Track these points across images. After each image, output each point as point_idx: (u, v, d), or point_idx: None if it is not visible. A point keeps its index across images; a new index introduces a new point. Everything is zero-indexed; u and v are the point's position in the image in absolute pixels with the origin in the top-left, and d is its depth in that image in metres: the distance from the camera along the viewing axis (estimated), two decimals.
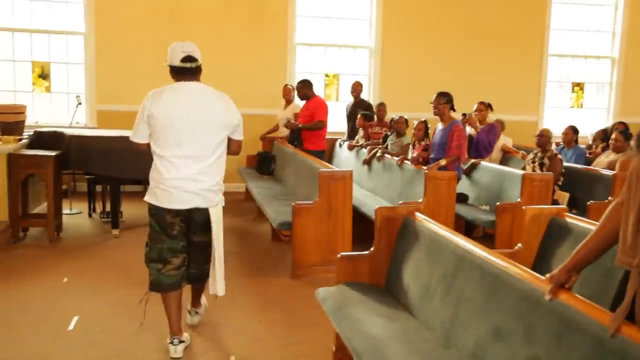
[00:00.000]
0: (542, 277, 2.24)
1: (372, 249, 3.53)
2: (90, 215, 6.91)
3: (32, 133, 6.33)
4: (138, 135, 3.41)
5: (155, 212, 3.40)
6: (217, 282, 3.51)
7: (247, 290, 4.63)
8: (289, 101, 8.08)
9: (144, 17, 8.44)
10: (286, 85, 8.18)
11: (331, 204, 5.02)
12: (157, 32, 8.40)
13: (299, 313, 4.21)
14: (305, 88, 7.20)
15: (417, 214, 3.44)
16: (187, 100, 3.34)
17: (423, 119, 6.34)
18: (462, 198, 6.00)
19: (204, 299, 3.99)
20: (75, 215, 6.91)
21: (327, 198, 5.01)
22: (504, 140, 7.52)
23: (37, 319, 3.93)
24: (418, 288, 3.09)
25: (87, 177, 6.66)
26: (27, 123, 7.34)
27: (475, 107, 6.96)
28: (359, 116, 7.66)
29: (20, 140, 6.02)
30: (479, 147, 6.53)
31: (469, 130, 6.76)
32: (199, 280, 3.67)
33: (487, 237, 5.98)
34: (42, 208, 6.38)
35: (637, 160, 1.93)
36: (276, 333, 3.87)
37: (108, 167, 5.94)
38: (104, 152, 5.93)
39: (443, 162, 5.61)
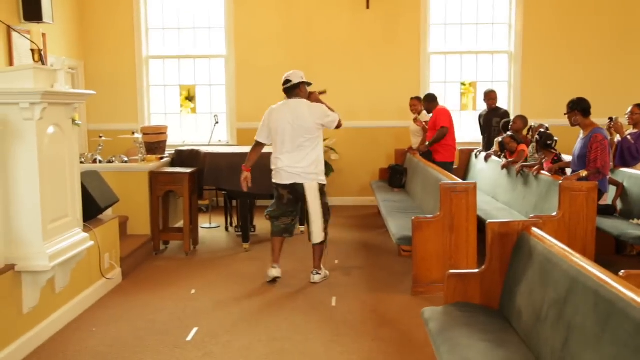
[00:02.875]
0: None
1: (483, 267, 3.25)
2: (227, 229, 7.22)
3: (173, 152, 6.76)
4: (260, 137, 5.17)
5: (275, 186, 5.11)
6: (313, 232, 5.02)
7: (364, 307, 4.51)
8: (417, 112, 7.87)
9: (279, 38, 8.71)
10: (412, 97, 7.95)
11: (454, 218, 4.75)
12: (292, 51, 8.64)
13: (415, 333, 4.01)
14: (428, 102, 7.41)
15: (534, 229, 3.10)
16: (285, 113, 4.98)
17: (545, 125, 5.86)
18: (608, 211, 5.39)
19: (324, 271, 5.19)
20: (214, 229, 7.26)
21: (449, 211, 4.75)
22: None
23: (161, 329, 4.13)
24: (530, 311, 2.77)
25: (224, 192, 6.96)
26: (174, 142, 7.94)
27: (629, 110, 6.23)
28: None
29: (162, 158, 6.44)
30: (624, 155, 5.83)
31: (618, 136, 6.09)
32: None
33: None
34: (182, 222, 6.77)
35: None
36: (389, 353, 3.71)
37: (238, 183, 6.13)
38: (234, 168, 6.14)
39: (584, 173, 5.09)
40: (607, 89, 8.39)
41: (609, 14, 8.57)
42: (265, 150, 5.31)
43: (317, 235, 5.01)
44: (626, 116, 6.20)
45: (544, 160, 5.72)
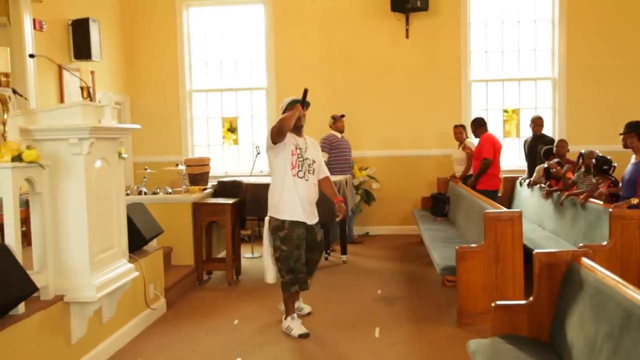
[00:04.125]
0: None
1: (531, 298, 3.16)
2: None
3: (216, 183, 6.85)
4: None
5: None
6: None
7: (408, 339, 4.43)
8: (460, 140, 7.81)
9: (319, 68, 8.79)
10: (456, 125, 7.91)
11: (499, 247, 4.65)
12: (332, 81, 8.72)
13: None
14: (475, 127, 7.35)
15: (584, 259, 3.00)
16: None
17: (596, 151, 5.70)
18: None
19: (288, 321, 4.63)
20: (256, 259, 7.28)
21: (494, 241, 4.65)
22: None
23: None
24: (582, 345, 2.67)
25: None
26: (217, 173, 8.06)
27: None
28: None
29: (204, 189, 6.54)
30: None
31: None
32: None
33: None
34: (225, 253, 6.82)
35: None
36: None
37: None
38: None
39: (635, 200, 4.93)
40: None
41: None
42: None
43: (267, 274, 4.68)
44: None
45: (600, 186, 5.56)
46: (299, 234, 4.42)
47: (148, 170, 6.54)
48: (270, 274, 4.61)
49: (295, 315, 4.60)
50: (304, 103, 4.45)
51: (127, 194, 5.80)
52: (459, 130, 7.79)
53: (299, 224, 4.43)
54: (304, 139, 4.59)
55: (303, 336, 4.46)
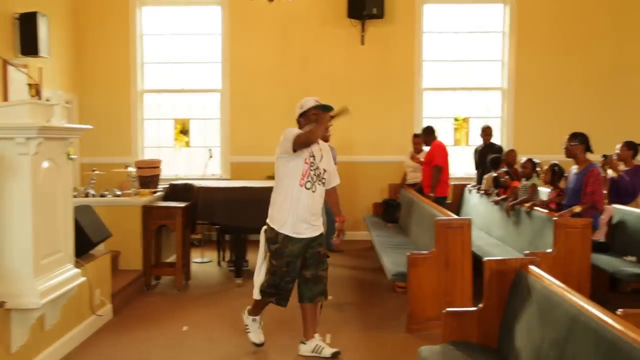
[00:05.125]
0: None
1: (481, 305, 3.22)
2: (219, 264, 7.15)
3: (167, 186, 6.73)
4: None
5: None
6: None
7: (358, 346, 4.45)
8: (418, 150, 7.90)
9: (274, 73, 8.79)
10: (416, 135, 7.99)
11: (449, 254, 4.73)
12: (287, 86, 8.70)
13: None
14: (426, 135, 7.48)
15: (531, 267, 3.08)
16: None
17: (554, 162, 5.85)
18: (603, 248, 5.38)
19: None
20: (206, 264, 7.19)
21: (444, 248, 4.73)
22: None
23: None
24: (529, 351, 2.73)
25: (216, 226, 6.91)
26: (168, 176, 7.92)
27: (617, 148, 6.30)
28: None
29: (155, 192, 6.41)
30: (620, 192, 5.86)
31: (610, 173, 6.12)
32: None
33: (638, 293, 5.30)
34: (175, 257, 6.70)
35: None
36: None
37: (231, 217, 6.13)
38: (228, 202, 6.13)
39: (577, 209, 5.10)
40: (597, 126, 8.44)
41: (600, 52, 8.72)
42: (262, 184, 5.14)
43: (255, 290, 4.22)
44: (616, 153, 6.25)
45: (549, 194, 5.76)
46: (292, 251, 4.04)
47: (96, 172, 6.36)
48: (256, 289, 4.22)
49: (257, 318, 4.36)
50: (337, 114, 4.07)
51: (74, 196, 5.62)
52: (418, 140, 7.85)
53: (294, 240, 4.04)
54: (318, 147, 4.16)
55: (258, 345, 4.32)
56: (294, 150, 3.95)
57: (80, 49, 8.72)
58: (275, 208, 4.10)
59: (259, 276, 4.17)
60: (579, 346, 2.32)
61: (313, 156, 4.07)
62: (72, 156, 4.29)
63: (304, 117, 4.08)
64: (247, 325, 4.37)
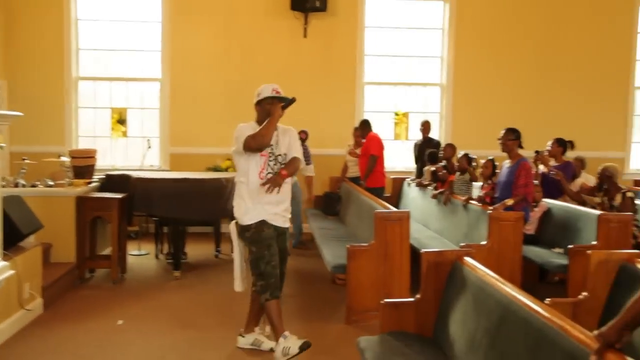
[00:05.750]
0: (590, 335, 1.94)
1: (418, 295, 3.29)
2: (157, 257, 7.01)
3: (103, 176, 6.54)
4: None
5: None
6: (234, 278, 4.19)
7: (299, 336, 4.43)
8: (359, 143, 7.96)
9: (216, 63, 8.66)
10: (358, 128, 8.03)
11: (387, 246, 4.80)
12: (228, 77, 8.61)
13: None
14: (362, 128, 7.57)
15: (466, 258, 3.16)
16: None
17: (491, 157, 6.02)
18: (533, 240, 5.59)
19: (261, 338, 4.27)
20: (143, 257, 7.03)
21: (383, 240, 4.80)
22: (585, 179, 7.01)
23: None
24: (464, 340, 2.81)
25: (154, 218, 6.76)
26: (104, 166, 7.69)
27: (549, 144, 6.55)
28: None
29: (90, 183, 6.22)
30: (551, 187, 6.09)
31: (541, 168, 6.35)
32: None
33: (563, 283, 5.52)
34: (110, 249, 6.53)
35: None
36: None
37: (170, 209, 6.02)
38: (166, 194, 6.02)
39: (509, 201, 5.27)
40: (530, 122, 8.77)
41: (533, 51, 9.01)
42: (202, 176, 5.03)
43: (235, 282, 4.19)
44: (546, 150, 6.49)
45: (482, 187, 5.91)
46: (268, 233, 3.94)
47: (27, 161, 6.11)
48: (238, 282, 4.16)
49: (286, 333, 3.92)
50: (286, 105, 3.96)
51: (3, 186, 5.38)
52: (359, 133, 7.89)
53: (267, 224, 3.94)
54: (276, 132, 3.99)
55: (304, 347, 3.87)
56: (245, 150, 3.89)
57: (9, 32, 8.34)
58: (239, 202, 4.00)
59: (238, 275, 4.18)
60: (510, 334, 2.40)
61: (270, 145, 3.95)
62: (1, 144, 4.11)
63: (260, 105, 3.99)
64: (284, 350, 3.87)
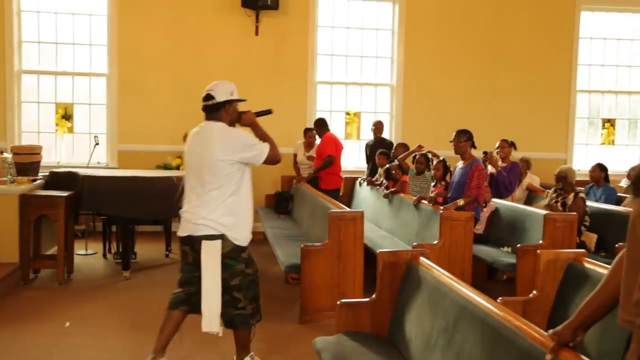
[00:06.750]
0: (545, 334, 2.01)
1: (373, 295, 3.32)
2: (104, 256, 6.84)
3: (47, 173, 6.33)
4: None
5: (179, 240, 3.62)
6: (203, 315, 3.44)
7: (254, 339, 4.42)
8: (311, 144, 7.97)
9: (165, 59, 8.51)
10: (309, 129, 8.03)
11: (341, 246, 4.83)
12: (178, 73, 8.47)
13: None
14: (318, 127, 7.55)
15: (422, 258, 3.22)
16: (196, 142, 3.55)
17: (442, 158, 6.15)
18: (482, 239, 5.74)
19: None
20: (90, 256, 6.85)
21: (337, 240, 4.83)
22: (530, 179, 7.26)
23: None
24: (420, 339, 2.86)
25: (102, 217, 6.59)
26: (49, 163, 7.44)
27: (497, 145, 6.74)
28: (377, 154, 7.51)
29: (34, 180, 6.01)
30: (499, 187, 6.27)
31: (490, 169, 6.53)
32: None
33: (511, 281, 5.68)
34: (56, 249, 6.32)
35: (638, 207, 1.71)
36: None
37: (119, 208, 5.89)
38: (115, 192, 5.88)
39: (461, 202, 5.39)
40: (477, 123, 8.98)
41: (480, 52, 9.22)
42: (152, 174, 4.86)
43: (206, 321, 3.43)
44: (496, 150, 6.67)
45: (434, 187, 6.02)
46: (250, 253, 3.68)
47: None
48: (216, 321, 3.43)
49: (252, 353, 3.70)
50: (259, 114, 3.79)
51: None
52: (311, 134, 7.86)
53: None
54: None
55: None
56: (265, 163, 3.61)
57: None
58: (235, 219, 3.49)
59: (215, 304, 3.43)
60: (467, 333, 2.46)
61: None
62: None
63: (231, 105, 3.58)
64: None
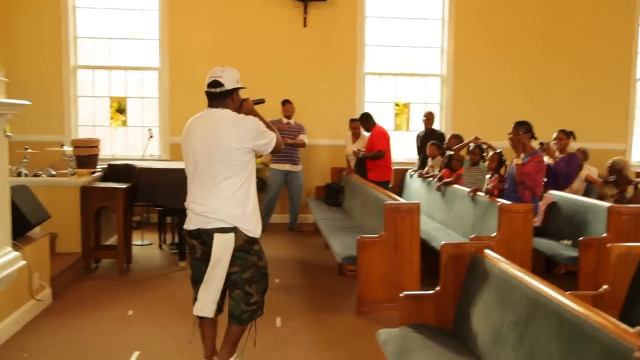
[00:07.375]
0: (631, 330, 1.95)
1: (437, 288, 3.29)
2: (160, 247, 6.97)
3: (106, 166, 6.48)
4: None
5: (186, 234, 3.44)
6: (199, 299, 3.34)
7: (309, 328, 4.46)
8: (357, 135, 7.95)
9: (215, 52, 8.58)
10: (354, 120, 8.01)
11: (398, 238, 4.81)
12: (228, 65, 8.51)
13: (362, 353, 3.99)
14: (365, 122, 7.52)
15: (487, 251, 3.17)
16: (202, 128, 3.35)
17: (498, 150, 6.03)
18: (540, 232, 5.61)
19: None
20: (147, 247, 7.00)
21: (393, 232, 4.80)
22: (588, 170, 7.06)
23: (98, 354, 3.91)
24: (488, 334, 2.82)
25: (158, 208, 6.72)
26: (104, 156, 7.62)
27: (554, 136, 6.57)
28: (429, 145, 7.44)
29: (93, 173, 6.16)
30: (557, 178, 6.12)
31: (546, 160, 6.37)
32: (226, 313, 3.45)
33: (570, 275, 5.55)
34: (114, 239, 6.48)
35: None
36: None
37: (174, 199, 5.95)
38: (170, 184, 5.97)
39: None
40: (531, 113, 8.76)
41: (533, 42, 9.00)
42: None
43: (201, 304, 3.34)
44: (554, 141, 6.51)
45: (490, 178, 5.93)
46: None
47: (29, 150, 6.04)
48: (210, 307, 3.34)
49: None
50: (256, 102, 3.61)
51: None
52: (356, 124, 7.86)
53: None
54: None
55: None
56: (272, 152, 3.51)
57: (6, 20, 8.22)
58: (247, 209, 3.33)
59: (214, 293, 3.33)
60: (541, 329, 2.40)
61: None
62: (8, 133, 4.07)
63: (237, 93, 3.45)
64: None
